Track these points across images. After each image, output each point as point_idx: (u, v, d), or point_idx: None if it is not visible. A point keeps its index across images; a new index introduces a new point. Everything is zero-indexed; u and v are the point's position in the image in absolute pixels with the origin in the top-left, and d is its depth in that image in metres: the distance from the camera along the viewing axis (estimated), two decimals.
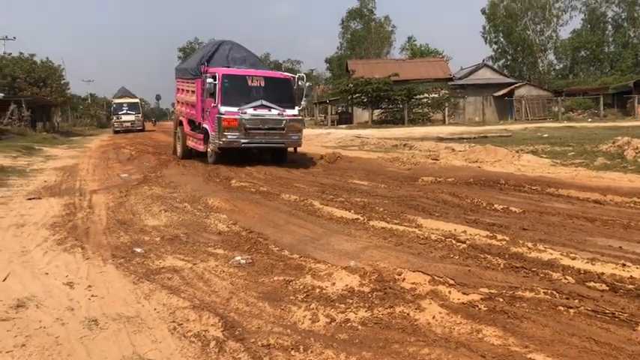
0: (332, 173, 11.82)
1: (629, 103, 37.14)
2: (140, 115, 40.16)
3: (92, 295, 4.40)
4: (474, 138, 20.44)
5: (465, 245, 5.44)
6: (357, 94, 38.32)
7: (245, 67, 14.19)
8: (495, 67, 56.38)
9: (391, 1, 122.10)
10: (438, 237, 5.79)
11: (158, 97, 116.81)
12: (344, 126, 37.83)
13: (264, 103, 12.91)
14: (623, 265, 4.57)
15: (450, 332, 3.50)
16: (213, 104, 12.84)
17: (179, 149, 16.12)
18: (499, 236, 5.69)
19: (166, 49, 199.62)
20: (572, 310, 3.70)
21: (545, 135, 20.57)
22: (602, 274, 4.35)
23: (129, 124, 38.71)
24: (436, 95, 39.15)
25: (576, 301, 3.85)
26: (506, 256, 5.00)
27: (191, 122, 15.19)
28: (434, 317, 3.72)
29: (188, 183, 10.70)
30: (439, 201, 8.01)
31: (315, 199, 8.39)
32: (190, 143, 15.29)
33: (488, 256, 5.03)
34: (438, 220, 6.71)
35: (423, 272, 4.55)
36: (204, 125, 13.63)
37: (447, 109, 39.55)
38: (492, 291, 4.08)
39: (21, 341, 3.51)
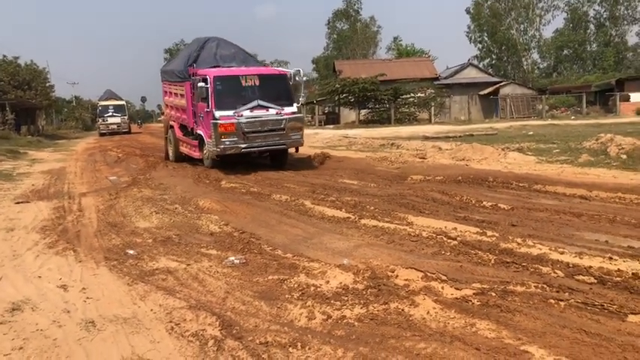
0: (322, 173, 11.86)
1: (611, 101, 37.69)
2: (126, 117, 39.83)
3: (87, 298, 4.41)
4: (461, 136, 20.59)
5: (455, 242, 5.52)
6: (344, 94, 38.40)
7: (236, 65, 13.52)
8: (480, 66, 56.76)
9: (376, 1, 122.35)
10: (429, 234, 5.87)
11: (144, 99, 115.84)
12: (331, 126, 37.87)
13: (261, 103, 12.17)
14: (610, 258, 4.69)
15: (444, 326, 3.57)
16: (206, 109, 12.06)
17: (171, 154, 15.46)
18: (489, 232, 5.79)
19: (152, 50, 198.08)
20: (562, 303, 3.79)
21: (530, 133, 20.81)
22: (590, 267, 4.46)
23: (115, 126, 38.38)
24: (422, 95, 39.32)
25: (566, 294, 3.95)
26: (497, 252, 5.09)
27: (183, 127, 14.52)
28: (428, 312, 3.78)
29: (178, 185, 10.69)
30: (429, 199, 8.10)
31: (306, 198, 8.43)
32: (184, 149, 14.59)
33: (479, 252, 5.12)
34: (428, 217, 6.80)
35: (415, 269, 4.62)
36: (198, 131, 12.91)
37: (433, 108, 39.76)
38: (484, 286, 4.17)
39: (19, 344, 3.51)
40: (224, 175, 11.65)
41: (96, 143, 28.59)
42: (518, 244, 5.31)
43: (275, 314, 3.93)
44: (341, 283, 4.46)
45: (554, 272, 4.45)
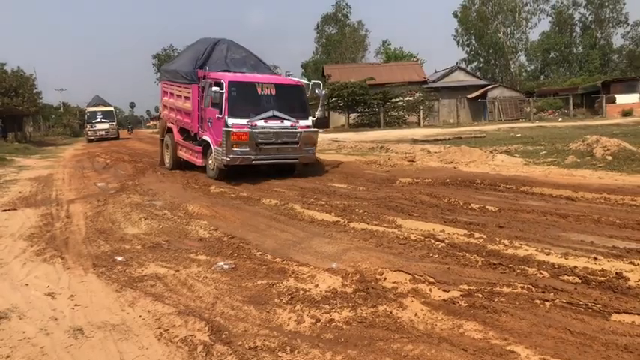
0: (311, 177, 11.88)
1: (597, 103, 38.17)
2: (115, 123, 39.64)
3: (75, 305, 4.39)
4: (449, 139, 20.76)
5: (443, 244, 5.57)
6: (333, 98, 38.54)
7: (247, 70, 12.80)
8: (468, 69, 57.35)
9: (365, 5, 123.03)
10: (418, 237, 5.91)
11: (132, 105, 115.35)
12: (321, 130, 37.91)
13: (276, 113, 11.43)
14: (595, 258, 4.76)
15: (432, 328, 3.60)
16: (218, 115, 11.25)
17: (168, 160, 14.72)
18: (476, 234, 5.85)
19: (140, 56, 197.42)
20: (547, 303, 3.84)
21: (518, 135, 21.00)
22: (575, 267, 4.53)
23: (103, 132, 38.18)
24: (411, 98, 39.61)
25: (551, 294, 4.00)
26: (484, 254, 5.14)
27: (183, 131, 13.83)
28: (416, 314, 3.82)
29: (167, 190, 10.66)
30: (417, 202, 8.16)
31: (295, 202, 8.46)
32: (183, 155, 13.86)
33: (467, 254, 5.17)
34: (416, 220, 6.84)
35: (403, 271, 4.66)
36: (205, 137, 12.10)
37: (421, 111, 40.04)
38: (471, 287, 4.21)
39: (5, 352, 3.49)
40: (213, 181, 11.63)
41: (84, 149, 28.41)
42: (506, 245, 5.37)
43: (264, 318, 3.94)
44: (330, 286, 4.49)
45: (540, 273, 4.50)
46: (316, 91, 12.67)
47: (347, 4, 69.45)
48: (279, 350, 3.38)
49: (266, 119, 11.34)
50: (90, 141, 37.13)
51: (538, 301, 3.88)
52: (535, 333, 3.41)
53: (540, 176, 9.86)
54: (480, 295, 4.04)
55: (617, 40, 65.41)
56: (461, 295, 4.08)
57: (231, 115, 11.11)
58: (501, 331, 3.46)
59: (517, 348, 3.22)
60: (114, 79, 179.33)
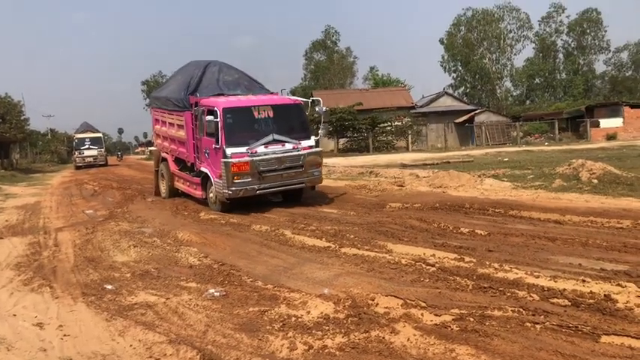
0: (301, 202, 11.90)
1: (582, 127, 38.82)
2: (103, 149, 39.52)
3: (64, 335, 4.34)
4: (437, 164, 20.94)
5: (434, 268, 5.60)
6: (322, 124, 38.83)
7: (241, 92, 12.19)
8: (455, 94, 58.15)
9: (353, 32, 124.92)
10: (408, 261, 5.94)
11: (121, 131, 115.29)
12: None
13: (276, 137, 10.80)
14: (583, 280, 4.81)
15: (424, 353, 3.61)
16: (215, 145, 10.55)
17: (164, 190, 14.10)
18: (467, 258, 5.88)
19: (129, 82, 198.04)
20: (538, 326, 3.87)
21: (506, 159, 21.25)
22: (565, 290, 4.57)
23: (91, 159, 38.00)
24: (399, 123, 40.02)
25: (542, 317, 4.03)
26: (474, 277, 5.18)
27: (179, 160, 13.19)
28: (408, 339, 3.82)
29: (156, 217, 10.61)
30: (407, 226, 8.20)
31: (286, 228, 8.46)
32: (181, 186, 13.17)
33: (457, 278, 5.20)
34: (407, 244, 6.87)
35: (395, 296, 4.67)
36: (203, 169, 11.41)
37: (410, 136, 40.43)
38: (463, 311, 4.23)
39: None
40: (202, 207, 11.60)
41: (72, 176, 28.22)
42: (495, 269, 5.40)
43: (256, 346, 3.92)
44: (322, 312, 4.48)
45: (530, 296, 4.54)
46: (316, 109, 12.12)
47: (336, 30, 70.61)
48: None
49: (266, 144, 10.69)
50: (78, 168, 36.90)
51: (529, 324, 3.91)
52: (527, 356, 3.43)
53: (528, 200, 9.96)
54: (472, 319, 4.06)
55: (599, 66, 66.89)
56: (452, 319, 4.10)
57: (229, 144, 10.43)
58: (493, 354, 3.48)
59: None
60: (102, 105, 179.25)
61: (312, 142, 11.32)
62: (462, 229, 7.71)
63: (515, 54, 65.50)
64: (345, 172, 20.07)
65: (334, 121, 37.70)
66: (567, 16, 65.05)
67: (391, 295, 4.70)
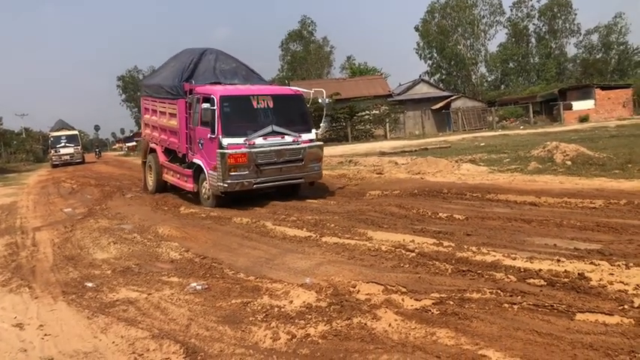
0: (282, 193, 11.90)
1: (555, 110, 39.48)
2: (79, 147, 38.93)
3: (45, 335, 4.30)
4: (415, 151, 21.11)
5: (414, 254, 5.68)
6: None
7: (238, 82, 11.72)
8: (431, 81, 58.53)
9: (329, 21, 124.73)
10: (388, 248, 6.01)
11: (97, 128, 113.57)
12: None
13: (276, 129, 10.31)
14: (558, 260, 4.94)
15: (406, 337, 3.67)
16: (210, 135, 10.06)
17: (151, 183, 13.56)
18: (445, 243, 5.98)
19: (104, 78, 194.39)
20: (515, 307, 3.96)
21: (482, 144, 21.53)
22: (540, 270, 4.68)
23: (68, 157, 37.41)
24: (377, 112, 40.18)
25: (519, 297, 4.13)
26: (453, 261, 5.27)
27: (169, 151, 12.65)
28: (390, 325, 3.88)
29: (135, 213, 10.51)
30: (387, 213, 8.28)
31: (267, 219, 8.47)
32: (170, 178, 12.61)
33: (437, 263, 5.28)
34: (387, 231, 6.95)
35: (376, 283, 4.74)
36: (196, 160, 10.87)
37: (388, 124, 40.63)
38: (442, 295, 4.31)
39: None
40: (183, 201, 11.53)
41: (49, 175, 27.73)
42: (473, 252, 5.50)
43: (240, 337, 3.94)
44: (304, 302, 4.52)
45: (508, 277, 4.64)
46: (319, 100, 11.71)
47: (312, 21, 70.32)
48: None
49: (265, 136, 10.20)
50: (54, 166, 36.31)
51: (506, 305, 4.00)
52: (505, 336, 3.51)
53: (505, 183, 10.13)
54: (451, 303, 4.14)
55: (570, 50, 68.10)
56: (432, 303, 4.17)
57: (226, 134, 9.92)
58: (473, 336, 3.56)
59: (488, 352, 3.31)
60: (77, 102, 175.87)
61: (312, 135, 10.87)
62: (440, 214, 7.81)
63: (488, 39, 66.41)
64: (325, 161, 20.08)
65: (312, 111, 37.66)
66: (538, 1, 65.96)
67: (372, 282, 4.76)
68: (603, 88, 39.59)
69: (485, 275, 4.77)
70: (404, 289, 4.52)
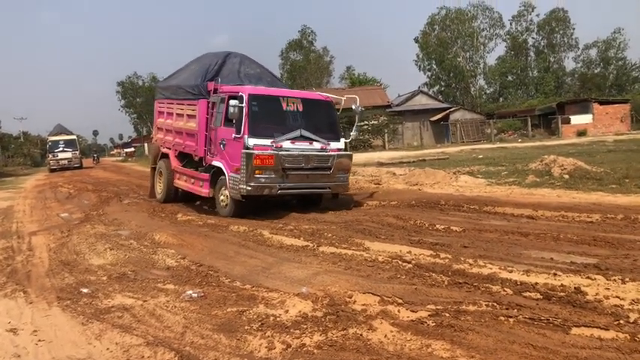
0: (280, 202, 11.89)
1: (553, 123, 39.71)
2: (77, 152, 38.92)
3: (39, 340, 4.27)
4: (414, 162, 21.18)
5: (410, 265, 5.68)
6: None
7: (263, 87, 11.15)
8: (430, 93, 58.84)
9: (329, 31, 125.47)
10: (385, 258, 6.01)
11: (96, 133, 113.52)
12: None
13: (304, 133, 9.91)
14: (555, 274, 4.94)
15: (401, 349, 3.66)
16: (235, 134, 9.59)
17: (160, 190, 12.99)
18: (442, 255, 5.98)
19: (104, 83, 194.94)
20: (511, 320, 3.96)
21: (480, 156, 21.60)
22: (537, 284, 4.69)
23: (66, 161, 37.39)
24: (376, 122, 40.33)
25: (515, 310, 4.13)
26: (450, 273, 5.27)
27: (182, 156, 12.19)
28: (385, 336, 3.87)
29: (132, 219, 10.49)
30: (384, 224, 8.28)
31: (264, 228, 8.46)
32: (182, 184, 12.02)
33: (433, 274, 5.28)
34: (384, 242, 6.95)
35: (372, 293, 4.73)
36: (215, 162, 10.35)
37: (386, 134, 40.78)
38: (438, 307, 4.30)
39: None
40: (180, 208, 11.52)
41: (46, 179, 27.67)
42: (470, 264, 5.51)
43: (235, 346, 3.93)
44: (300, 311, 4.51)
45: (504, 290, 4.64)
46: (352, 107, 11.20)
47: (312, 30, 70.64)
48: None
49: (293, 140, 9.80)
50: (52, 170, 36.24)
51: (502, 318, 4.00)
52: (500, 349, 3.51)
53: (502, 196, 10.16)
54: (447, 315, 4.14)
55: (569, 64, 68.50)
56: (428, 315, 4.17)
57: (252, 134, 9.48)
58: (468, 349, 3.55)
59: None
60: (76, 107, 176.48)
61: (341, 144, 10.52)
62: (437, 225, 7.82)
63: (488, 52, 66.69)
64: None
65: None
66: (537, 15, 66.46)
67: (368, 293, 4.75)
68: (601, 103, 39.87)
69: (481, 288, 4.77)
70: (400, 300, 4.52)
